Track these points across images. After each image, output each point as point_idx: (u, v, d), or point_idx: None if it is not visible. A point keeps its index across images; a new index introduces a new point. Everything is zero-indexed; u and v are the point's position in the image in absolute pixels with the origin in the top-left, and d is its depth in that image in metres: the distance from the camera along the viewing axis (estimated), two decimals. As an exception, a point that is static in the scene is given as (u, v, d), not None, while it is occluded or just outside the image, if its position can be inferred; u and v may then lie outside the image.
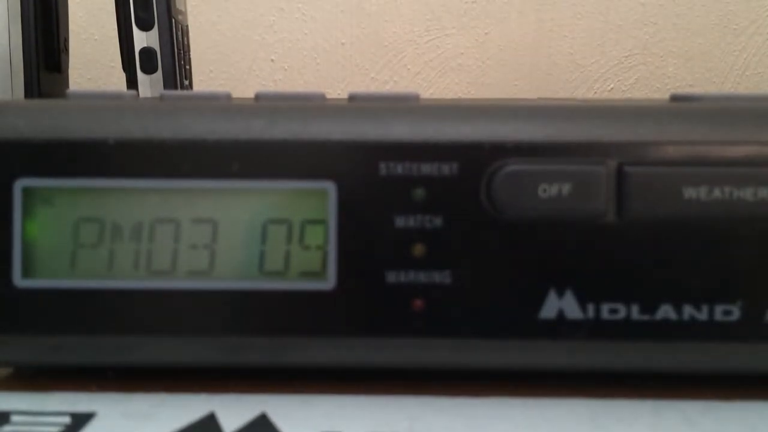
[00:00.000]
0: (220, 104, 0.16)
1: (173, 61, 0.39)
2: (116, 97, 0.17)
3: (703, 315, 0.15)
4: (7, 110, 0.15)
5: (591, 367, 0.15)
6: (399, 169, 0.15)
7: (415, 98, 0.16)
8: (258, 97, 0.17)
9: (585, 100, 0.18)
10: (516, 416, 0.14)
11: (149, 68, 0.39)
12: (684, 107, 0.16)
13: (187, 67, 0.42)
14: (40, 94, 0.40)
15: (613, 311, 0.15)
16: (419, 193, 0.15)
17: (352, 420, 0.14)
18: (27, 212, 0.15)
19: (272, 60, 0.53)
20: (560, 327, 0.15)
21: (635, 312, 0.15)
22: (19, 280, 0.15)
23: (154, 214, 0.15)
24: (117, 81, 0.41)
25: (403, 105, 0.16)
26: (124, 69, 0.39)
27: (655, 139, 0.15)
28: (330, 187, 0.15)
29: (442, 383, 0.15)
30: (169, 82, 0.39)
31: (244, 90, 0.52)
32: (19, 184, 0.15)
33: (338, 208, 0.15)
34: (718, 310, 0.15)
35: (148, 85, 0.39)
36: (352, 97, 0.16)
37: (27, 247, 0.15)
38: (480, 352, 0.15)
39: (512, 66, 0.51)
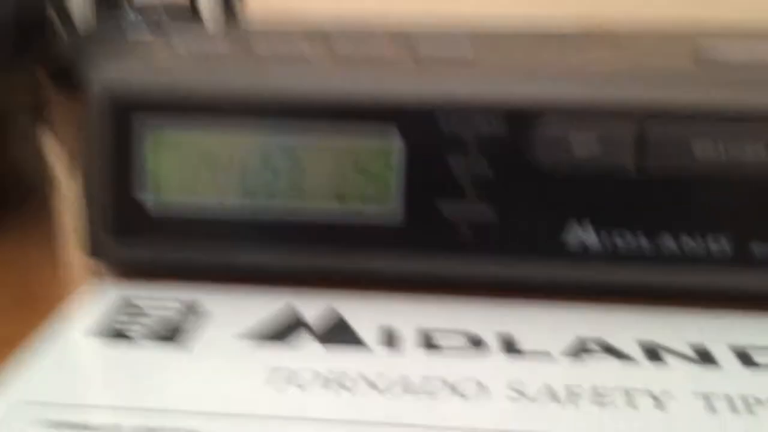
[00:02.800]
0: (302, 65, 0.19)
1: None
2: (211, 51, 0.20)
3: (699, 245, 0.18)
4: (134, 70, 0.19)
5: (604, 283, 0.18)
6: (455, 124, 0.18)
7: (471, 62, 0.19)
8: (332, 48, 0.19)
9: (618, 42, 0.20)
10: (532, 318, 0.18)
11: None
12: (704, 76, 0.18)
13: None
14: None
15: (624, 240, 0.18)
16: (473, 145, 0.18)
17: (404, 315, 0.18)
18: (153, 150, 0.18)
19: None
20: (582, 253, 0.18)
21: (643, 241, 0.18)
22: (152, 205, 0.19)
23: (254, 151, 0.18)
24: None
25: (462, 69, 0.18)
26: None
27: (669, 103, 0.17)
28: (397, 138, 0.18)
29: (480, 291, 0.19)
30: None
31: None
32: (148, 129, 0.18)
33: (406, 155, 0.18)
34: (711, 241, 0.18)
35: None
36: (419, 60, 0.19)
37: (151, 172, 0.19)
38: (515, 269, 0.18)
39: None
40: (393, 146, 0.18)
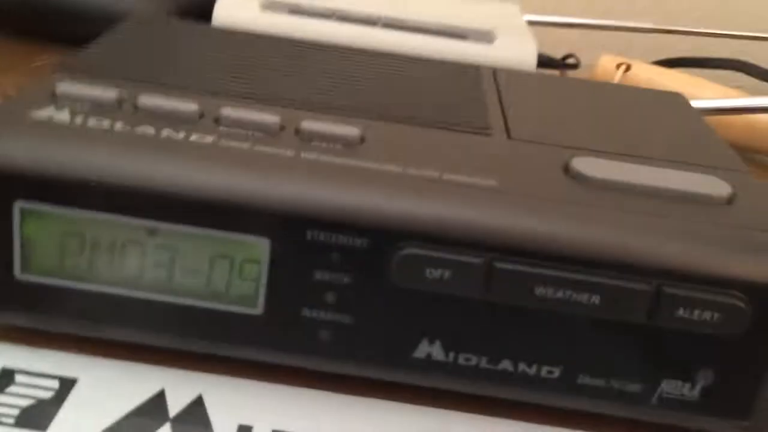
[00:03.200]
0: (180, 151, 0.19)
1: None
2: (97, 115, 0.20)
3: (532, 371, 0.19)
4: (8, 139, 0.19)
5: (445, 390, 0.20)
6: (321, 236, 0.19)
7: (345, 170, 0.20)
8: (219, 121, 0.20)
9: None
10: (386, 416, 0.20)
11: None
12: (552, 212, 0.19)
13: None
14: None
15: (467, 359, 0.19)
16: (335, 256, 0.19)
17: (262, 414, 0.19)
18: (23, 226, 0.19)
19: None
20: (427, 365, 0.20)
21: (483, 362, 0.19)
22: (18, 274, 0.19)
23: (125, 237, 0.19)
24: None
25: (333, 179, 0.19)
26: None
27: (519, 242, 0.18)
28: (265, 243, 0.19)
29: (340, 388, 0.20)
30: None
31: None
32: (17, 205, 0.19)
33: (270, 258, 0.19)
34: (544, 369, 0.19)
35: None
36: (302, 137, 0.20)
37: (24, 250, 0.19)
38: (367, 371, 0.20)
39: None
40: (262, 254, 0.19)
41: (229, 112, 0.21)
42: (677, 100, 0.29)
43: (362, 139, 0.21)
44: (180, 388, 0.20)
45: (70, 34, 0.43)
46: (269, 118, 0.21)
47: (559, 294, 0.19)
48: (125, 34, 0.27)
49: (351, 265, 0.19)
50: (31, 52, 0.42)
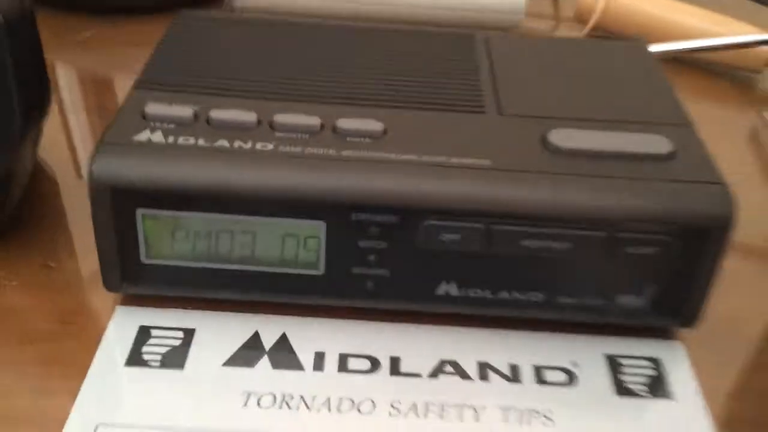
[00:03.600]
0: (248, 161, 0.26)
1: None
2: (185, 142, 0.26)
3: (523, 297, 0.27)
4: (127, 164, 0.25)
5: (461, 316, 0.28)
6: (362, 216, 0.25)
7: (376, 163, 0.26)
8: (274, 130, 0.26)
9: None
10: (418, 343, 0.27)
11: None
12: (535, 182, 0.26)
13: None
14: None
15: (475, 293, 0.27)
16: (374, 230, 0.26)
17: (330, 342, 0.27)
18: (144, 225, 0.26)
19: None
20: (446, 299, 0.27)
21: (487, 294, 0.27)
22: (144, 259, 0.27)
23: (218, 227, 0.26)
24: None
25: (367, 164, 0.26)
26: None
27: (511, 210, 0.25)
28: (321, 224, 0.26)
29: (385, 319, 0.28)
30: None
31: None
32: (140, 212, 0.26)
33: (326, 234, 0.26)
34: (532, 295, 0.27)
35: None
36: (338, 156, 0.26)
37: (147, 242, 0.26)
38: (403, 307, 0.27)
39: None
40: (320, 232, 0.26)
41: (280, 118, 0.27)
42: (638, 49, 0.35)
43: (385, 132, 0.27)
44: (269, 329, 0.27)
45: (107, 5, 0.47)
46: (311, 120, 0.27)
47: (540, 244, 0.26)
48: (180, 39, 0.33)
49: (386, 235, 0.26)
50: (70, 26, 0.47)
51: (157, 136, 0.26)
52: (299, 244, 0.26)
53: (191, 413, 0.25)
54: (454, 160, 0.26)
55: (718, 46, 0.44)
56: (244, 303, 0.28)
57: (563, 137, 0.27)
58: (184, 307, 0.28)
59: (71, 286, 0.29)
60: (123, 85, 0.41)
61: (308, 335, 0.27)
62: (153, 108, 0.27)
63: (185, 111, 0.27)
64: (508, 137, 0.28)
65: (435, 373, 0.26)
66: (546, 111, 0.29)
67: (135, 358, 0.26)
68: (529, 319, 0.28)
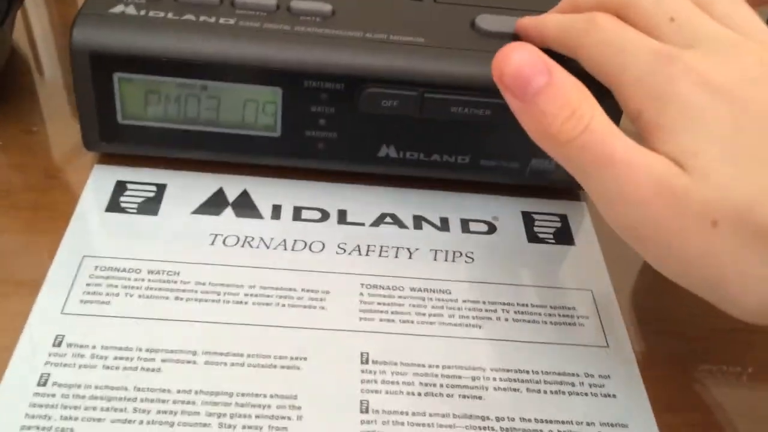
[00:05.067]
0: (213, 31, 0.29)
1: None
2: (159, 15, 0.30)
3: (452, 159, 0.31)
4: (106, 30, 0.28)
5: (397, 176, 0.32)
6: (314, 84, 0.29)
7: (324, 36, 0.30)
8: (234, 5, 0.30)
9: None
10: (361, 198, 0.32)
11: None
12: (462, 55, 0.30)
13: None
14: None
15: (411, 155, 0.31)
16: (324, 96, 0.30)
17: (286, 197, 0.31)
18: (120, 88, 0.29)
19: None
20: (386, 160, 0.31)
21: (421, 156, 0.31)
22: (120, 120, 0.30)
23: (187, 92, 0.30)
24: None
25: (315, 37, 0.29)
26: None
27: (443, 78, 0.29)
28: (278, 90, 0.29)
29: (333, 179, 0.32)
30: None
31: None
32: (116, 75, 0.29)
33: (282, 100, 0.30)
34: (459, 158, 0.31)
35: None
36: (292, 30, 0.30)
37: (123, 104, 0.30)
38: (348, 167, 0.31)
39: None
40: (277, 97, 0.30)
41: (240, -2, 0.31)
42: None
43: (333, 13, 0.31)
44: (232, 186, 0.31)
45: None
46: (268, 1, 0.31)
47: (466, 110, 0.30)
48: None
49: (334, 101, 0.30)
50: None
51: (131, 9, 0.30)
52: (259, 109, 0.30)
53: (165, 249, 0.29)
54: (393, 37, 0.30)
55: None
56: (209, 163, 0.32)
57: (489, 22, 0.32)
58: (156, 166, 0.32)
59: (52, 147, 0.32)
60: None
61: (267, 191, 0.32)
62: (125, -14, 0.31)
63: (155, -10, 0.31)
64: (441, 20, 0.32)
65: (376, 223, 0.31)
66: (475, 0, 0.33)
67: (113, 206, 0.30)
68: (458, 181, 0.32)
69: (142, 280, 0.27)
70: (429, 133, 0.31)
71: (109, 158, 0.32)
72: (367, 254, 0.30)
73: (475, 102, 0.30)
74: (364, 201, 0.32)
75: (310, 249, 0.29)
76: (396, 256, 0.30)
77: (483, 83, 0.30)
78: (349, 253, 0.29)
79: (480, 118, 0.30)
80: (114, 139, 0.31)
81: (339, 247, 0.30)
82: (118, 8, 0.30)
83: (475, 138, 0.31)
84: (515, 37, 0.31)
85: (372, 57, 0.29)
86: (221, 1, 0.31)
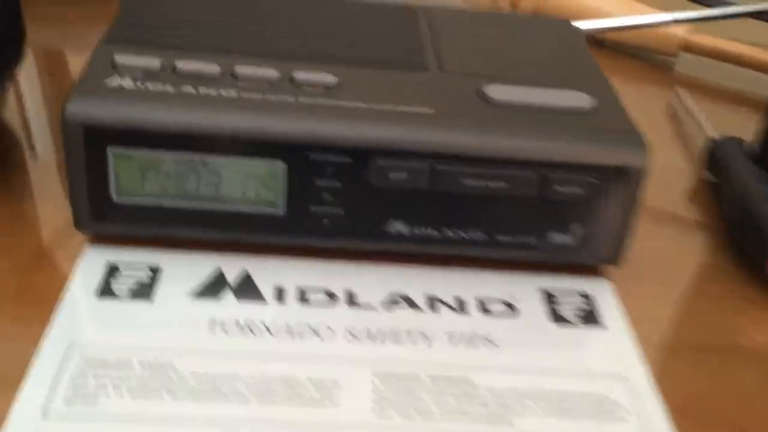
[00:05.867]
0: (211, 103, 0.28)
1: None
2: (154, 87, 0.28)
3: (466, 234, 0.29)
4: (100, 104, 0.27)
5: (408, 254, 0.30)
6: (319, 156, 0.28)
7: (329, 109, 0.28)
8: (237, 79, 0.28)
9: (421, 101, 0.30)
10: (371, 278, 0.30)
11: None
12: (473, 123, 0.28)
13: None
14: None
15: (421, 230, 0.29)
16: (330, 169, 0.28)
17: (288, 277, 0.29)
18: (115, 164, 0.28)
19: None
20: (396, 236, 0.29)
21: (433, 231, 0.29)
22: (116, 198, 0.28)
23: (186, 167, 0.28)
24: None
25: (320, 108, 0.28)
26: None
27: (455, 150, 0.28)
28: (281, 164, 0.28)
29: (335, 258, 0.30)
30: None
31: None
32: (110, 151, 0.27)
33: (286, 174, 0.28)
34: (472, 233, 0.29)
35: None
36: (296, 103, 0.28)
37: (117, 181, 0.28)
38: (355, 246, 0.30)
39: None
40: (279, 170, 0.28)
41: (241, 70, 0.29)
42: (565, 25, 0.38)
43: (338, 84, 0.30)
44: (232, 267, 0.29)
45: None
46: (270, 72, 0.29)
47: (480, 183, 0.28)
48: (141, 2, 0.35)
49: (341, 175, 0.28)
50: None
51: (127, 82, 0.28)
52: (261, 184, 0.28)
53: (161, 336, 0.26)
54: (400, 108, 0.29)
55: (633, 25, 0.48)
56: (207, 243, 0.30)
57: (497, 91, 0.30)
58: (151, 246, 0.30)
59: (41, 227, 0.31)
60: (74, 60, 0.42)
61: (269, 272, 0.30)
62: (122, 59, 0.29)
63: (153, 62, 0.29)
64: (448, 90, 0.30)
65: (388, 305, 0.29)
66: (483, 70, 0.32)
67: (105, 291, 0.28)
68: (471, 258, 0.30)
69: (133, 373, 0.25)
70: (441, 208, 0.29)
71: (101, 239, 0.30)
72: (382, 341, 0.27)
73: (489, 174, 0.28)
74: (374, 281, 0.30)
75: (317, 335, 0.27)
76: (411, 342, 0.27)
77: (496, 154, 0.28)
78: (361, 340, 0.27)
79: (494, 191, 0.29)
80: (107, 219, 0.29)
81: (350, 333, 0.28)
82: (114, 81, 0.28)
83: (491, 212, 0.29)
84: (525, 107, 0.30)
85: (380, 128, 0.28)
86: (222, 73, 0.29)
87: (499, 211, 0.29)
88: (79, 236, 0.30)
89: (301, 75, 0.30)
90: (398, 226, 0.29)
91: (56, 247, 0.30)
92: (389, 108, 0.29)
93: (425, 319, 0.28)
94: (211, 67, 0.29)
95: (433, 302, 0.29)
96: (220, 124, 0.27)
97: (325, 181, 0.28)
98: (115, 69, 0.29)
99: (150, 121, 0.27)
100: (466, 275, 0.30)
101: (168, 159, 0.28)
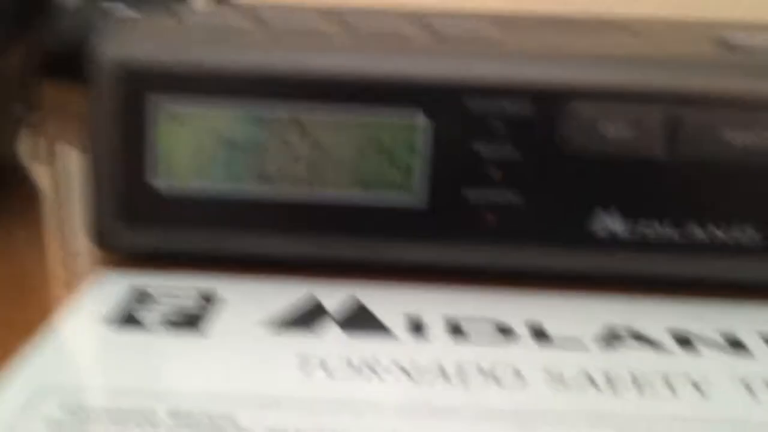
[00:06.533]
0: (324, 41, 0.18)
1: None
2: (223, 23, 0.19)
3: (726, 235, 0.18)
4: (144, 38, 0.18)
5: (631, 273, 0.18)
6: (482, 105, 0.17)
7: (491, 36, 0.19)
8: (348, 26, 0.19)
9: (637, 31, 0.20)
10: (561, 307, 0.17)
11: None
12: (728, 59, 0.18)
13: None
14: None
15: (652, 228, 0.18)
16: (499, 126, 0.17)
17: (429, 304, 0.17)
18: (161, 126, 0.18)
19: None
20: (609, 241, 0.18)
21: (668, 228, 0.18)
22: (158, 184, 0.18)
23: (267, 132, 0.18)
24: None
25: (488, 49, 0.18)
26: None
27: (702, 89, 0.17)
28: (421, 118, 0.17)
29: (506, 280, 0.18)
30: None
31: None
32: (156, 103, 0.18)
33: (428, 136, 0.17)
34: (736, 230, 0.18)
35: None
36: (442, 39, 0.19)
37: (161, 154, 0.18)
38: (540, 258, 0.18)
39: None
40: (418, 129, 0.17)
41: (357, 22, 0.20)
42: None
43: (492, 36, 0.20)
44: (331, 293, 0.18)
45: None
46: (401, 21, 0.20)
47: (750, 140, 0.17)
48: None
49: (516, 135, 0.17)
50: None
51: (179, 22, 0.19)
52: (387, 156, 0.18)
53: (214, 378, 0.14)
54: (604, 50, 0.19)
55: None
56: (289, 265, 0.18)
57: (742, 37, 0.20)
58: (202, 268, 0.19)
59: (40, 249, 0.20)
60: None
61: (395, 298, 0.18)
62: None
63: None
64: (677, 38, 0.20)
65: (608, 342, 0.16)
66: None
67: (124, 318, 0.16)
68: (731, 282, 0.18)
69: (158, 431, 0.13)
70: (684, 191, 0.18)
71: (128, 261, 0.19)
72: (609, 388, 0.15)
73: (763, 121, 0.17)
74: (575, 310, 0.18)
75: (495, 380, 0.15)
76: (656, 390, 0.15)
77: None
78: (570, 387, 0.15)
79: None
80: (144, 223, 0.18)
81: (548, 373, 0.15)
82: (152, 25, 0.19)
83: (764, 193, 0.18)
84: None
85: (581, 64, 0.18)
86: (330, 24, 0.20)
87: (780, 190, 0.18)
88: (95, 256, 0.19)
89: (441, 22, 0.20)
90: (610, 221, 0.18)
91: (59, 272, 0.19)
92: (590, 43, 0.19)
93: (674, 361, 0.16)
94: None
95: (683, 339, 0.16)
96: (322, 60, 0.18)
97: (490, 147, 0.18)
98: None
99: (216, 59, 0.18)
100: (725, 305, 0.18)
101: (242, 118, 0.18)
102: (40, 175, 0.26)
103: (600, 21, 0.22)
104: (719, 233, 0.18)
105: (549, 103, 0.17)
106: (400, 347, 0.16)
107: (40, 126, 0.29)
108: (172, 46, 0.18)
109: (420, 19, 0.20)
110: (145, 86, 0.18)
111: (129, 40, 0.18)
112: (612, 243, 0.18)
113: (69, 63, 0.31)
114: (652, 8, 0.27)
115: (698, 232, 0.18)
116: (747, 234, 0.18)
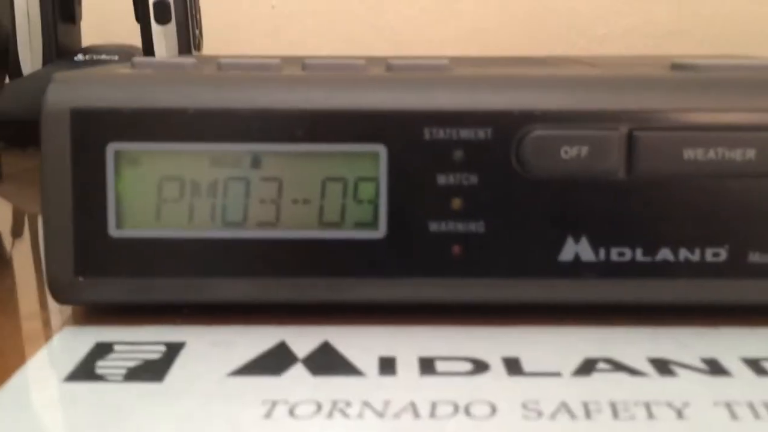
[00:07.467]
0: (278, 76, 0.18)
1: (185, 12, 0.41)
2: (179, 66, 0.19)
3: (695, 256, 0.17)
4: (96, 82, 0.18)
5: (601, 301, 0.18)
6: (441, 133, 0.17)
7: (449, 68, 0.19)
8: (305, 66, 0.19)
9: (594, 63, 0.20)
10: (537, 341, 0.17)
11: (163, 20, 0.40)
12: (683, 77, 0.18)
13: (198, 16, 0.43)
14: (57, 45, 0.41)
15: (621, 254, 0.17)
16: (458, 155, 0.17)
17: (402, 346, 0.17)
18: (117, 172, 0.17)
19: (273, 6, 0.54)
20: (576, 268, 0.17)
21: (639, 254, 0.17)
22: (113, 231, 0.17)
23: (227, 173, 0.17)
24: (129, 31, 0.42)
25: (441, 75, 0.18)
26: (138, 20, 0.41)
27: (660, 107, 0.17)
28: (381, 150, 0.17)
29: (476, 315, 0.18)
30: (182, 32, 0.41)
31: (244, 37, 0.53)
32: (111, 148, 0.17)
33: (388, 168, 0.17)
34: (709, 252, 0.17)
35: (162, 35, 0.41)
36: (390, 67, 0.19)
37: (116, 202, 0.17)
38: (507, 290, 0.18)
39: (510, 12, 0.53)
40: (378, 161, 0.17)
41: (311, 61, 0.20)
42: None
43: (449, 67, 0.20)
44: (299, 336, 0.17)
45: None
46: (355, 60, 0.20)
47: (711, 155, 0.17)
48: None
49: (475, 162, 0.17)
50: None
51: (126, 71, 0.19)
52: (349, 190, 0.17)
53: (172, 428, 0.14)
54: (561, 72, 0.19)
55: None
56: (257, 311, 0.18)
57: (690, 60, 0.20)
58: (169, 321, 0.18)
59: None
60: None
61: (365, 341, 0.17)
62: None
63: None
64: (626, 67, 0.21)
65: (584, 371, 0.16)
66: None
67: (83, 373, 0.16)
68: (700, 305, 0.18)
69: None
70: (646, 212, 0.17)
71: (87, 315, 0.18)
72: (596, 415, 0.14)
73: (727, 138, 0.17)
74: (552, 342, 0.17)
75: (467, 413, 0.14)
76: (639, 419, 0.14)
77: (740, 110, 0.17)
78: (549, 417, 0.14)
79: (735, 168, 0.17)
80: (102, 276, 0.18)
81: (525, 408, 0.15)
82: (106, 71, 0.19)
83: (734, 212, 0.17)
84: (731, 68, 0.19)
85: (539, 87, 0.18)
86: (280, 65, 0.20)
87: (746, 209, 0.17)
88: (52, 312, 0.18)
89: (399, 61, 0.20)
90: (578, 249, 0.17)
91: (12, 330, 0.18)
92: (543, 73, 0.19)
93: (651, 387, 0.15)
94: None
95: (662, 365, 0.16)
96: (281, 97, 0.17)
97: (451, 176, 0.17)
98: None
99: (174, 99, 0.17)
100: (701, 330, 0.18)
101: (200, 157, 0.17)
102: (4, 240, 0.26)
103: (557, 58, 0.22)
104: (686, 254, 0.17)
105: (506, 128, 0.17)
106: (372, 388, 0.15)
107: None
108: (125, 89, 0.17)
109: (377, 60, 0.20)
110: (98, 131, 0.17)
111: (80, 85, 0.18)
112: (579, 268, 0.17)
113: (27, 129, 0.31)
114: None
115: (666, 254, 0.17)
116: (713, 254, 0.17)
